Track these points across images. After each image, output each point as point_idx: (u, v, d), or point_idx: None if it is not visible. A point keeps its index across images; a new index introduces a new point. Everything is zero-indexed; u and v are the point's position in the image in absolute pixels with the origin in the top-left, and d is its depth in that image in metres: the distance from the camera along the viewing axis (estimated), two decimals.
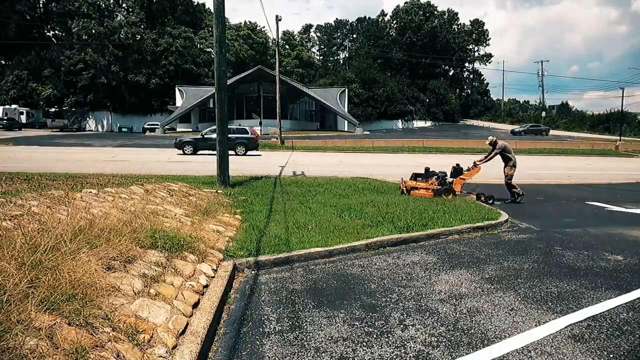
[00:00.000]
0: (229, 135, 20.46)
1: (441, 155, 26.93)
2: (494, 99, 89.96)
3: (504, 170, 10.48)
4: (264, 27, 68.34)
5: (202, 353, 2.90)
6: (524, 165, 21.13)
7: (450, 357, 2.98)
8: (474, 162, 10.24)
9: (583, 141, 41.57)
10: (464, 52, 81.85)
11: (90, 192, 6.21)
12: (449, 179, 9.93)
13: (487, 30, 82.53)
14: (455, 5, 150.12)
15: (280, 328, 3.43)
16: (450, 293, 4.22)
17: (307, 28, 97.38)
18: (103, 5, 58.27)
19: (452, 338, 3.27)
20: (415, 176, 10.29)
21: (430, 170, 10.32)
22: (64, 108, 55.34)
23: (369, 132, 49.50)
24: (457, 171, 10.12)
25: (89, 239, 3.79)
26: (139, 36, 57.72)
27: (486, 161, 10.33)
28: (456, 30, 79.45)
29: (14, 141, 27.88)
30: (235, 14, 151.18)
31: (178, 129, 50.20)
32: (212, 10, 10.42)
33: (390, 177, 12.75)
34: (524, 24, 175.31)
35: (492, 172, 11.95)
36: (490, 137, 10.68)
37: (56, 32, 60.06)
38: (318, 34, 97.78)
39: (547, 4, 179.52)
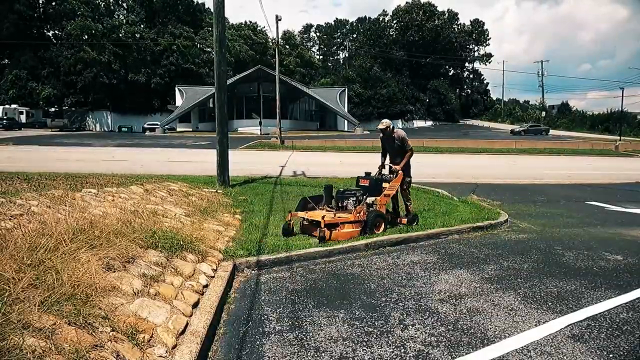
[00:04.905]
0: None
1: (440, 155, 26.93)
2: (495, 98, 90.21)
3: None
4: (264, 27, 68.33)
5: (202, 353, 2.90)
6: (524, 165, 21.19)
7: (450, 357, 2.98)
8: (391, 168, 6.91)
9: (583, 141, 41.54)
10: (465, 51, 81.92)
11: (90, 191, 6.21)
12: (369, 199, 6.35)
13: (487, 30, 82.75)
14: (468, 3, 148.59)
15: (280, 328, 3.43)
16: (450, 293, 4.22)
17: (307, 28, 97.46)
18: (102, 4, 58.27)
19: (452, 338, 3.27)
20: (305, 203, 6.40)
21: (342, 189, 6.69)
22: (64, 108, 55.38)
23: (369, 132, 49.49)
24: (378, 185, 6.56)
25: (89, 238, 3.79)
26: (139, 35, 57.70)
27: (404, 163, 6.79)
28: (456, 30, 79.49)
29: (13, 141, 27.86)
30: (239, 12, 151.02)
31: (178, 129, 50.21)
32: (212, 10, 10.41)
33: None
34: (533, 22, 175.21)
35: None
36: (386, 121, 6.97)
37: (55, 31, 60.06)
38: (318, 34, 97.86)
39: (557, 3, 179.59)
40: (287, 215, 6.19)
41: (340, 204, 6.42)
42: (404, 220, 6.87)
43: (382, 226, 6.31)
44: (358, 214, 6.06)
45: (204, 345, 2.98)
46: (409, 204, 7.02)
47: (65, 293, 2.83)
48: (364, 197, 6.33)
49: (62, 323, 2.55)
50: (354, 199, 6.37)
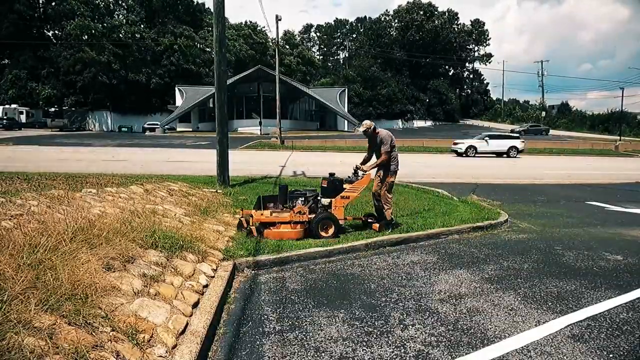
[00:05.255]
0: None
1: (440, 155, 26.93)
2: (495, 98, 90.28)
3: (383, 177, 6.54)
4: (264, 27, 68.38)
5: (202, 353, 2.90)
6: (524, 165, 21.20)
7: (450, 357, 2.98)
8: (357, 168, 6.52)
9: (583, 141, 41.58)
10: (465, 51, 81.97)
11: (90, 191, 6.21)
12: (324, 201, 6.23)
13: (487, 30, 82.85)
14: (468, 3, 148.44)
15: (280, 328, 3.43)
16: (450, 293, 4.22)
17: (307, 28, 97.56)
18: (102, 4, 58.29)
19: (452, 338, 3.27)
20: (263, 202, 6.30)
21: (295, 190, 6.63)
22: (64, 108, 55.39)
23: None
24: (335, 186, 6.28)
25: (88, 238, 3.79)
26: (139, 35, 57.69)
27: (377, 165, 6.51)
28: (456, 30, 79.54)
29: (13, 141, 27.87)
30: (239, 12, 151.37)
31: (178, 129, 50.24)
32: (212, 10, 10.40)
33: None
34: (534, 22, 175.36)
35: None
36: (366, 122, 6.67)
37: (55, 31, 60.10)
38: (318, 34, 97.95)
39: (558, 3, 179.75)
40: (239, 213, 6.37)
41: (292, 204, 6.21)
42: (376, 226, 6.37)
43: (332, 229, 5.93)
44: (296, 214, 5.86)
45: (204, 345, 2.97)
46: (387, 207, 6.49)
47: (65, 293, 2.83)
48: (312, 197, 6.20)
49: (61, 323, 2.55)
50: (303, 199, 6.23)
